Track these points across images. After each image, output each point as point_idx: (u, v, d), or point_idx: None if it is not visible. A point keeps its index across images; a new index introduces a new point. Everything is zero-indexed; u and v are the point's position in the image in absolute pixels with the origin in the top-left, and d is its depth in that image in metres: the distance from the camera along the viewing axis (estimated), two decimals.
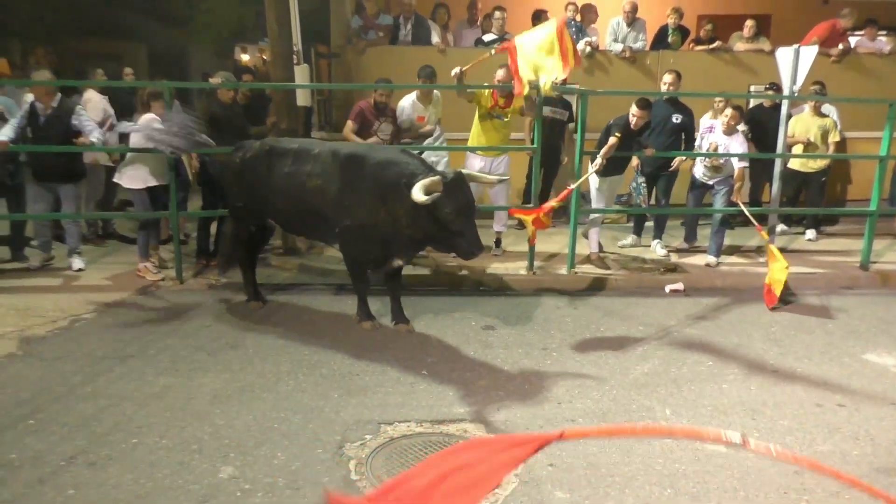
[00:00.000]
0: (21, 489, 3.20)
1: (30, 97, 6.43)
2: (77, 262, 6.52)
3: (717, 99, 7.84)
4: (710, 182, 7.20)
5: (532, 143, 6.65)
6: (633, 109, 6.49)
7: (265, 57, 28.65)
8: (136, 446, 3.59)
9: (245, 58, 24.19)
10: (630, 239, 7.81)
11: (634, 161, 7.13)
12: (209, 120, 6.25)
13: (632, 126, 6.53)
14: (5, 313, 5.48)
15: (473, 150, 6.93)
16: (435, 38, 8.45)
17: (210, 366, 4.63)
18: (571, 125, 7.97)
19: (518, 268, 6.75)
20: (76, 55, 17.62)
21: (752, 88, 9.07)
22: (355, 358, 4.80)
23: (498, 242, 7.25)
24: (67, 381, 4.34)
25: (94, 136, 6.32)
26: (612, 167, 6.70)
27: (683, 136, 7.30)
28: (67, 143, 6.24)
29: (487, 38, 8.81)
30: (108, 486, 3.24)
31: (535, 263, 6.71)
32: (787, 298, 6.23)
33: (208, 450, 3.57)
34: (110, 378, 4.41)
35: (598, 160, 6.44)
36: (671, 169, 7.24)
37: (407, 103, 7.07)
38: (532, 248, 6.58)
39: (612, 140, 6.46)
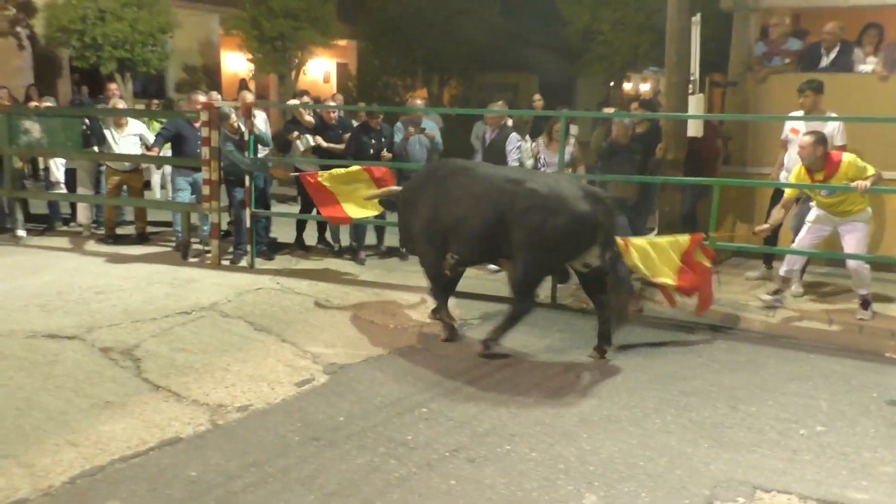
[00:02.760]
0: (413, 469, 3.63)
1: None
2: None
3: None
4: None
5: None
6: None
7: (649, 84, 28.74)
8: (509, 453, 3.82)
9: (627, 86, 24.56)
10: None
11: None
12: (602, 152, 6.49)
13: None
14: (412, 310, 6.32)
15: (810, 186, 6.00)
16: (862, 66, 7.40)
17: (578, 388, 4.73)
18: None
19: None
20: (480, 86, 19.85)
21: None
22: (729, 408, 4.46)
23: (866, 304, 6.05)
24: (455, 379, 4.82)
25: (511, 158, 7.17)
26: None
27: None
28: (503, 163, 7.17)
29: None
30: (483, 484, 3.50)
31: None
32: None
33: (574, 472, 3.63)
34: (489, 382, 4.78)
35: None
36: None
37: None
38: None
39: None
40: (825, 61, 7.46)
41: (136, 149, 8.42)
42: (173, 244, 8.38)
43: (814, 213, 6.16)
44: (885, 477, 3.69)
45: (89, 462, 3.61)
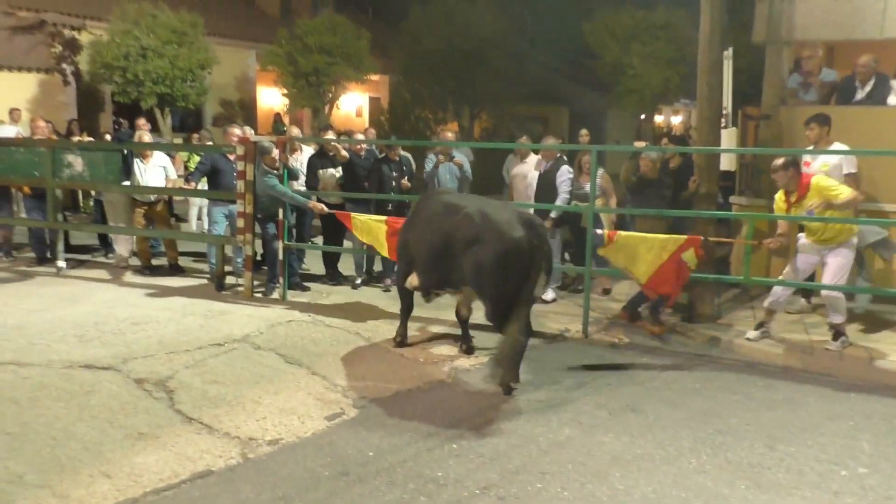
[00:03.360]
0: None
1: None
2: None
3: None
4: None
5: None
6: None
7: (681, 117, 28.70)
8: (540, 491, 3.77)
9: (659, 119, 24.54)
10: None
11: None
12: (631, 186, 6.51)
13: None
14: (442, 344, 6.31)
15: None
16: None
17: (610, 426, 4.65)
18: None
19: None
20: (510, 119, 19.99)
21: None
22: (767, 448, 4.35)
23: (837, 335, 6.02)
24: (484, 414, 4.78)
25: (563, 190, 7.45)
26: None
27: None
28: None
29: None
30: None
31: None
32: None
33: None
34: (519, 419, 4.73)
35: None
36: None
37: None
38: None
39: None
40: (860, 94, 7.37)
41: (161, 179, 8.65)
42: (208, 275, 8.50)
43: (801, 241, 6.20)
44: None
45: (122, 494, 3.65)
